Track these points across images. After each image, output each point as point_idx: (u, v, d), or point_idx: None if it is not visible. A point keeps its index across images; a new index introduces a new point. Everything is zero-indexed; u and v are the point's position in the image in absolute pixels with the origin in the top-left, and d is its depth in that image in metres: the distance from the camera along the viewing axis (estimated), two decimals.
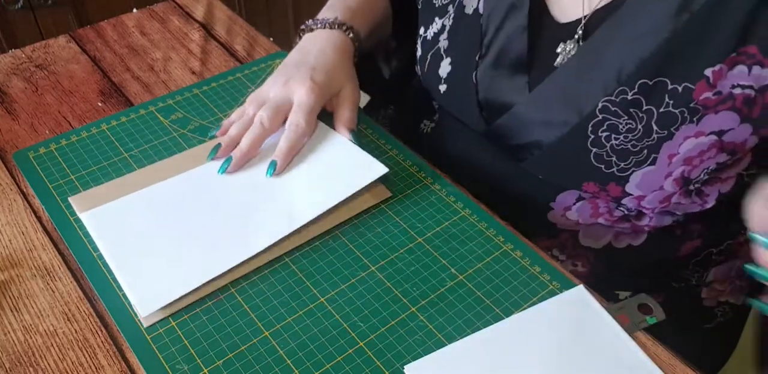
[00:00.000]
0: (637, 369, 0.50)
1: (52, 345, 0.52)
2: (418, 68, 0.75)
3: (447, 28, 0.69)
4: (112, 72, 0.77)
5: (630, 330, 0.52)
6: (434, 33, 0.71)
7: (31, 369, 0.51)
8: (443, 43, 0.69)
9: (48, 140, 0.68)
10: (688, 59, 0.55)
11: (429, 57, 0.71)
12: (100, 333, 0.53)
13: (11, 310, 0.54)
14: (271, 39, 0.82)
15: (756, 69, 0.54)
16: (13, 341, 0.52)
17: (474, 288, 0.56)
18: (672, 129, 0.57)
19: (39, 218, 0.61)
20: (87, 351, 0.52)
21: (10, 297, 0.55)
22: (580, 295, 0.55)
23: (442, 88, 0.70)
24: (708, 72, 0.55)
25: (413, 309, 0.54)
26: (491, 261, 0.58)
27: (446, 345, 0.52)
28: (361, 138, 0.68)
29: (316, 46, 0.69)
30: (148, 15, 0.86)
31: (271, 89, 0.66)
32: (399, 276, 0.57)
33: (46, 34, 1.39)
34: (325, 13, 0.73)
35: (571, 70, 0.60)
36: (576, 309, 0.54)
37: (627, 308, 0.54)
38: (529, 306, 0.54)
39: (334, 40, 0.69)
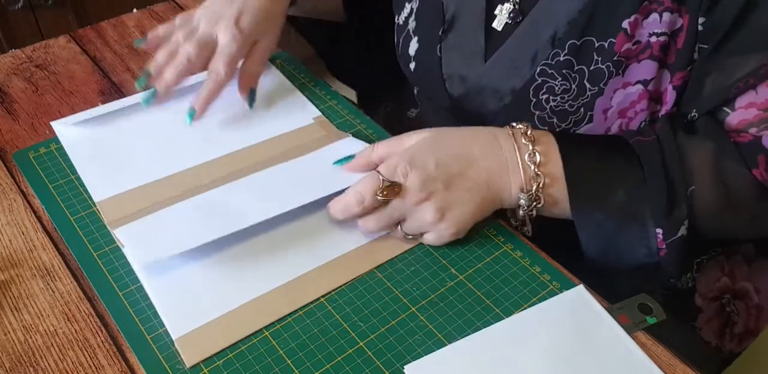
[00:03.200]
0: (637, 369, 0.50)
1: (52, 345, 0.52)
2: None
3: (414, 10, 0.73)
4: (112, 72, 0.77)
5: (630, 330, 0.52)
6: (404, 17, 0.75)
7: (31, 369, 0.51)
8: (412, 24, 0.73)
9: (48, 140, 0.68)
10: (607, 15, 0.58)
11: (401, 40, 0.75)
12: (100, 333, 0.53)
13: (11, 310, 0.54)
14: None
15: (666, 15, 0.57)
16: (13, 341, 0.52)
17: (474, 288, 0.56)
18: (601, 85, 0.60)
19: (39, 218, 0.61)
20: (87, 351, 0.52)
21: (10, 297, 0.55)
22: (580, 295, 0.55)
23: (412, 65, 0.74)
24: (625, 24, 0.58)
25: (413, 309, 0.54)
26: (491, 261, 0.58)
27: (446, 345, 0.52)
28: (360, 138, 0.68)
29: None
30: (148, 15, 0.86)
31: (201, 20, 0.69)
32: (399, 276, 0.57)
33: (46, 34, 1.39)
34: None
35: (516, 39, 0.64)
36: (576, 309, 0.54)
37: (627, 308, 0.54)
38: (529, 306, 0.54)
39: None
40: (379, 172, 0.56)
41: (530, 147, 0.56)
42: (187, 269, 0.56)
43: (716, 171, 0.55)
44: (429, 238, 0.58)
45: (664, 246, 0.55)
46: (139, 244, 0.55)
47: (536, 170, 0.56)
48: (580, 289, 0.55)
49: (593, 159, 0.58)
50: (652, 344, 0.52)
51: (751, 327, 0.73)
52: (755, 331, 0.74)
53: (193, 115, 0.67)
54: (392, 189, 0.55)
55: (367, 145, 0.65)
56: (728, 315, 0.72)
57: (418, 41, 0.72)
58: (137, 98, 0.70)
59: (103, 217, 0.60)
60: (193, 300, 0.54)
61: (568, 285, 0.56)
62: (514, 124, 0.59)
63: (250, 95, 0.70)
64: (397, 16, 0.76)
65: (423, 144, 0.58)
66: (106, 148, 0.66)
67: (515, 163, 0.56)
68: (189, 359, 0.51)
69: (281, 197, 0.60)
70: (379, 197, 0.55)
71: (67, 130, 0.68)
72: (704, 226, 0.56)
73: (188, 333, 0.52)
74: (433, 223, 0.56)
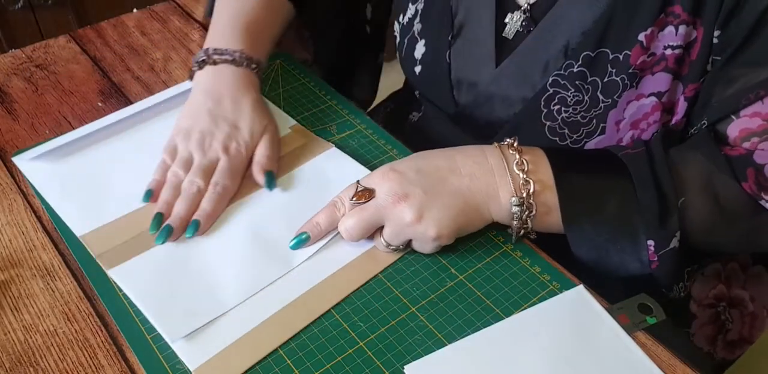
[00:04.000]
0: (637, 369, 0.50)
1: (52, 344, 0.52)
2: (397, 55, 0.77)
3: (420, 12, 0.72)
4: (112, 72, 0.77)
5: (630, 330, 0.52)
6: (409, 18, 0.73)
7: (31, 369, 0.51)
8: (417, 26, 0.72)
9: (48, 140, 0.68)
10: (623, 27, 0.58)
11: (406, 42, 0.74)
12: (100, 333, 0.53)
13: (11, 310, 0.54)
14: None
15: (682, 28, 0.57)
16: (13, 341, 0.52)
17: (474, 288, 0.56)
18: (615, 97, 0.60)
19: (39, 218, 0.61)
20: (87, 351, 0.52)
21: (10, 297, 0.55)
22: (580, 295, 0.55)
23: (417, 69, 0.73)
24: (641, 36, 0.57)
25: (413, 309, 0.54)
26: (491, 261, 0.58)
27: (446, 345, 0.52)
28: (360, 138, 0.69)
29: (228, 91, 0.65)
30: (148, 15, 0.86)
31: (192, 148, 0.62)
32: (399, 276, 0.57)
33: (46, 34, 1.39)
34: (225, 38, 0.68)
35: (527, 48, 0.63)
36: (576, 309, 0.54)
37: (627, 308, 0.54)
38: (529, 306, 0.54)
39: (242, 79, 0.66)
40: (358, 181, 0.57)
41: (517, 156, 0.55)
42: (195, 301, 0.54)
43: (707, 182, 0.55)
44: (414, 245, 0.57)
45: (656, 258, 0.54)
46: (165, 320, 0.53)
47: (525, 177, 0.55)
48: (580, 289, 0.55)
49: (583, 170, 0.57)
50: (652, 344, 0.52)
51: (745, 334, 0.73)
52: (749, 339, 0.73)
53: (197, 230, 0.58)
54: (363, 194, 0.56)
55: (349, 158, 0.65)
56: (722, 323, 0.72)
57: (425, 45, 0.71)
58: (96, 124, 0.67)
59: (89, 251, 0.57)
60: (204, 328, 0.52)
61: (568, 285, 0.56)
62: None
63: (268, 178, 0.63)
64: (401, 15, 0.75)
65: (405, 158, 0.59)
66: (77, 179, 0.63)
67: (502, 170, 0.55)
68: None
69: (273, 233, 0.59)
70: (352, 201, 0.56)
71: (31, 164, 0.65)
72: (696, 239, 0.55)
73: (205, 362, 0.50)
74: (410, 224, 0.54)
